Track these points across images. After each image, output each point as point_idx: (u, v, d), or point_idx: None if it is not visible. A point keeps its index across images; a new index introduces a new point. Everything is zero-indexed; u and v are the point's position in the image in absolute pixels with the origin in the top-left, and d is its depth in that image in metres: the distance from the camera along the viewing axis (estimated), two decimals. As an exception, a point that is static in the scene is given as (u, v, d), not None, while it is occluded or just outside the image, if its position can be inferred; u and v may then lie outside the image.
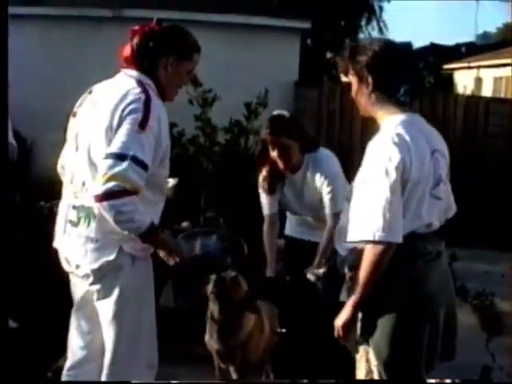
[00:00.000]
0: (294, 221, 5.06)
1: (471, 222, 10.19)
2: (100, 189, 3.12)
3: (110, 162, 3.13)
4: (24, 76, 10.44)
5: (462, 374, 4.95)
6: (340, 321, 3.25)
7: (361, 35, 22.40)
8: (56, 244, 3.58)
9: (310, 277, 4.77)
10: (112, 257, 3.32)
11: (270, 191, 4.85)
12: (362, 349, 3.32)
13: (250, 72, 10.79)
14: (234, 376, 4.47)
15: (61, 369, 3.82)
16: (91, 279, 3.38)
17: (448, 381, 4.31)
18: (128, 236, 3.24)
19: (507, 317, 6.64)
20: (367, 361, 3.30)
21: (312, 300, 4.32)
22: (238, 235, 4.38)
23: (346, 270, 3.33)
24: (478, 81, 26.00)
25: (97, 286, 3.39)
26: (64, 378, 3.71)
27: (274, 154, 4.63)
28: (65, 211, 3.49)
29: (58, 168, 3.64)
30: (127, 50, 3.45)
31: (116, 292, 3.37)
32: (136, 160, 3.15)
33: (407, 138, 3.12)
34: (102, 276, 3.36)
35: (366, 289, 3.13)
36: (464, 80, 26.71)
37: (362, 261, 3.11)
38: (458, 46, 33.43)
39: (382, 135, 3.18)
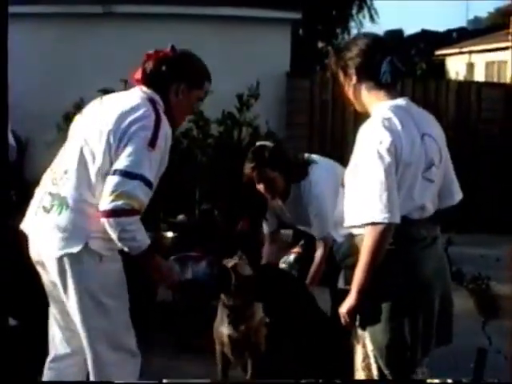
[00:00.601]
0: None
1: (466, 207, 10.22)
2: (108, 205, 3.18)
3: (119, 179, 3.20)
4: (17, 75, 10.41)
5: (459, 357, 5.01)
6: (345, 308, 3.25)
7: (352, 24, 22.41)
8: (23, 226, 3.59)
9: (283, 266, 4.82)
10: (75, 250, 3.31)
11: (265, 218, 4.91)
12: (358, 334, 3.35)
13: (242, 64, 10.80)
14: (249, 364, 4.53)
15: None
16: (55, 270, 3.37)
17: (449, 381, 4.33)
18: (97, 233, 3.29)
19: (503, 300, 6.68)
20: (364, 346, 3.33)
21: (288, 288, 4.35)
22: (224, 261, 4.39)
23: (340, 257, 3.37)
24: (470, 66, 26.04)
25: (62, 281, 3.39)
26: (46, 370, 3.74)
27: (259, 187, 4.59)
28: (40, 196, 3.53)
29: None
30: (138, 73, 3.53)
31: (83, 288, 3.38)
32: (144, 179, 3.22)
33: (396, 121, 3.18)
34: (65, 269, 3.35)
35: (369, 273, 3.14)
36: (456, 66, 26.74)
37: (362, 245, 3.13)
38: (449, 32, 33.48)
39: (371, 120, 3.24)
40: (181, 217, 7.82)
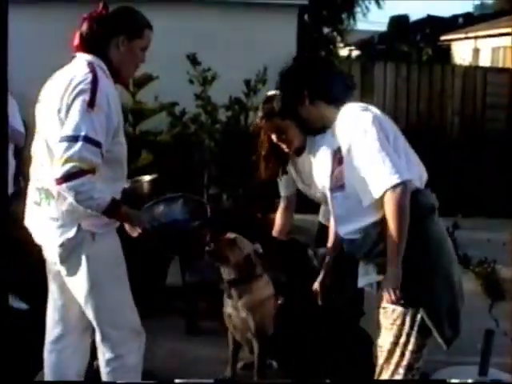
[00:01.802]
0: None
1: (472, 192, 10.28)
2: (58, 172, 3.23)
3: (64, 144, 3.24)
4: (21, 61, 10.39)
5: (466, 338, 5.05)
6: (394, 284, 3.27)
7: (358, 9, 22.36)
8: (26, 223, 3.71)
9: (310, 252, 4.79)
10: (71, 234, 3.42)
11: (282, 173, 4.62)
12: (397, 313, 3.37)
13: (249, 49, 10.78)
14: (255, 346, 4.58)
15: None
16: (58, 257, 3.48)
17: (470, 381, 4.39)
18: (86, 213, 3.37)
19: (509, 283, 6.72)
20: (402, 324, 3.36)
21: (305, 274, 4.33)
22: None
23: (369, 248, 3.39)
24: (476, 51, 25.98)
25: (64, 265, 3.51)
26: (45, 352, 3.84)
27: (273, 137, 4.41)
28: (31, 193, 3.64)
29: (31, 152, 3.71)
30: (76, 38, 3.56)
31: (82, 269, 3.48)
32: (88, 139, 3.25)
33: (369, 105, 3.45)
34: (67, 254, 3.46)
35: (402, 238, 3.21)
36: (462, 51, 26.67)
37: (386, 214, 3.21)
38: (455, 17, 33.35)
39: (346, 114, 3.43)
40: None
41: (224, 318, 4.66)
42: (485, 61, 24.15)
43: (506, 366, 4.57)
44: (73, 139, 3.23)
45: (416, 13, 34.55)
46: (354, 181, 3.30)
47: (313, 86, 3.52)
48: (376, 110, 3.41)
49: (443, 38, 28.45)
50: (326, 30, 21.07)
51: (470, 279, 6.92)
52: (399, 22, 32.51)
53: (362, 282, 3.51)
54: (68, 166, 3.20)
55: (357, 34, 25.96)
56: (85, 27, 3.53)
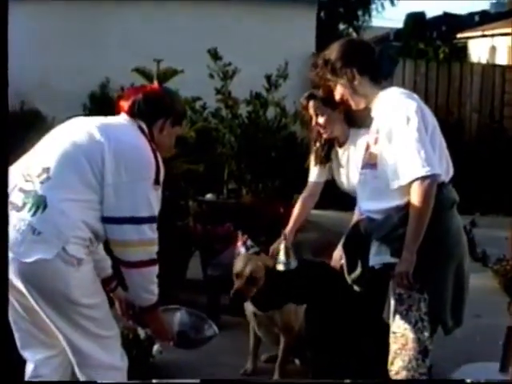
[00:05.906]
0: None
1: (490, 189, 10.27)
2: (140, 255, 3.19)
3: (140, 227, 3.17)
4: (45, 55, 10.51)
5: (486, 335, 5.09)
6: (407, 269, 3.34)
7: (372, 6, 22.37)
8: None
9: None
10: (50, 256, 3.03)
11: (316, 160, 4.49)
12: (412, 299, 3.42)
13: (268, 44, 10.84)
14: (282, 339, 4.60)
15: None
16: (23, 274, 3.05)
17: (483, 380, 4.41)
18: (75, 238, 3.10)
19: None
20: (418, 310, 3.41)
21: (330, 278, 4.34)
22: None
23: (388, 230, 3.45)
24: (493, 49, 25.89)
25: (32, 285, 3.08)
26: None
27: (315, 119, 4.30)
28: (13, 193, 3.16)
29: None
30: (128, 103, 3.44)
31: (60, 298, 3.11)
32: (155, 219, 3.25)
33: (413, 94, 3.56)
34: (36, 275, 3.06)
35: (422, 227, 3.32)
36: (479, 49, 26.58)
37: (411, 202, 3.31)
38: (471, 15, 33.25)
39: (389, 97, 3.52)
40: (209, 195, 7.93)
41: (246, 315, 4.69)
42: (502, 59, 24.06)
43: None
44: (147, 220, 3.19)
45: (432, 10, 34.47)
46: (387, 163, 3.40)
47: (362, 61, 3.60)
48: (419, 99, 3.49)
49: (460, 35, 28.36)
50: (341, 27, 21.11)
51: (488, 277, 6.95)
52: (415, 19, 32.40)
53: (373, 260, 3.56)
54: (148, 250, 3.21)
55: (372, 31, 25.90)
56: (139, 98, 3.42)
